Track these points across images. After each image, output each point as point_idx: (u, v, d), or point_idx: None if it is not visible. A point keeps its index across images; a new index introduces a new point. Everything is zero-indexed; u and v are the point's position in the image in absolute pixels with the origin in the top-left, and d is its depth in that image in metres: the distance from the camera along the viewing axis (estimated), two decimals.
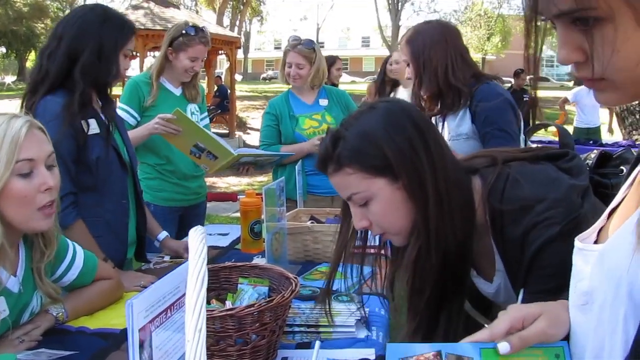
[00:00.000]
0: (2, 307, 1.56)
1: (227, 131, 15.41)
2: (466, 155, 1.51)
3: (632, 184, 0.88)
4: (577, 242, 0.92)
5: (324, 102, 3.51)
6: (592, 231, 0.92)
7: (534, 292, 1.22)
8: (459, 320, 1.40)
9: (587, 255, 0.89)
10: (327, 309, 1.60)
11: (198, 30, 3.17)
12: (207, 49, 3.27)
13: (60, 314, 1.76)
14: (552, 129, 2.26)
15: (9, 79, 32.99)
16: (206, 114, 3.50)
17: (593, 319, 0.87)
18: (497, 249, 1.32)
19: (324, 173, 1.37)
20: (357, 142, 1.30)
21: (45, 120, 1.79)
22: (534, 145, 1.54)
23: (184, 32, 3.14)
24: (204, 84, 17.25)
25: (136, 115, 3.14)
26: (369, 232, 1.47)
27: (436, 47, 2.51)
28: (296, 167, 2.97)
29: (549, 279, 1.18)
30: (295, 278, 1.62)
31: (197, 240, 0.60)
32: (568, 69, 0.90)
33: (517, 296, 1.29)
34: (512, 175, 1.31)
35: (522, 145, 2.57)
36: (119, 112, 3.13)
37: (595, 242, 0.90)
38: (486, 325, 1.59)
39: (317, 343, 1.54)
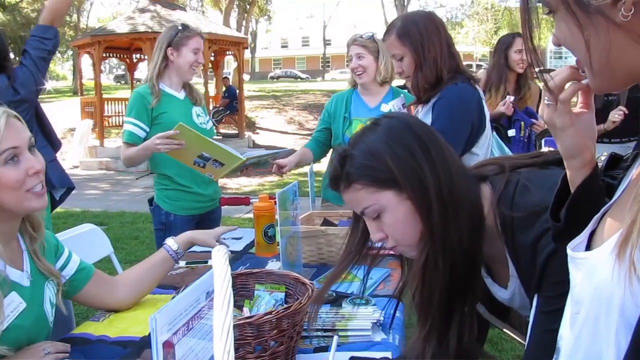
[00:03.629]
0: (17, 300, 1.58)
1: (237, 131, 15.47)
2: (475, 164, 1.53)
3: (627, 186, 0.87)
4: (568, 250, 0.92)
5: (386, 107, 3.29)
6: (582, 237, 0.92)
7: (548, 297, 1.23)
8: (472, 325, 1.41)
9: (577, 263, 0.88)
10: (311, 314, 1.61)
11: (188, 26, 3.28)
12: (203, 41, 3.31)
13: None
14: None
15: None
16: (209, 117, 3.52)
17: (576, 330, 0.88)
18: (510, 255, 1.34)
19: (337, 191, 1.42)
20: (362, 159, 1.34)
21: None
22: (547, 148, 1.54)
23: (179, 28, 3.22)
24: (212, 85, 17.32)
25: (145, 127, 3.16)
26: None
27: (432, 36, 2.50)
28: (308, 169, 2.98)
29: (562, 284, 1.19)
30: (311, 284, 1.64)
31: (221, 262, 0.62)
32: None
33: (531, 301, 1.30)
34: (521, 181, 1.33)
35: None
36: (127, 126, 3.15)
37: (588, 246, 0.90)
38: (505, 330, 1.61)
39: (335, 338, 1.55)
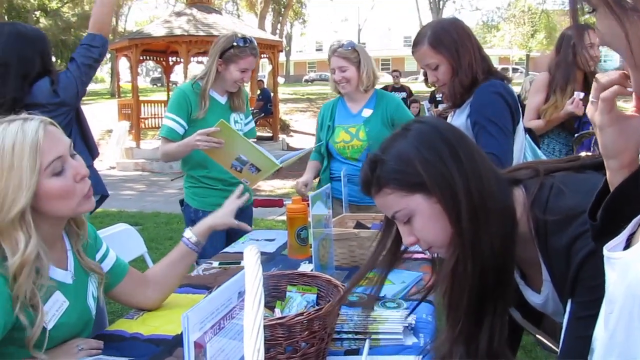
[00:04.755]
0: (61, 299, 1.61)
1: (271, 134, 15.54)
2: (508, 168, 1.52)
3: None
4: (605, 251, 0.92)
5: (367, 112, 3.39)
6: (621, 238, 0.91)
7: (582, 302, 1.22)
8: (502, 329, 1.39)
9: (613, 263, 0.88)
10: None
11: (247, 41, 3.19)
12: (257, 60, 3.29)
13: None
14: None
15: None
16: (251, 118, 3.54)
17: (610, 328, 0.87)
18: (543, 259, 1.32)
19: (369, 196, 1.43)
20: (392, 163, 1.35)
21: None
22: (583, 153, 1.52)
23: (234, 43, 3.16)
24: (247, 87, 17.42)
25: (184, 124, 3.19)
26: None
27: (465, 41, 2.51)
28: (342, 172, 2.99)
29: (596, 289, 1.17)
30: (343, 286, 1.63)
31: (252, 261, 0.63)
32: (615, 63, 0.92)
33: (564, 307, 1.28)
34: (556, 185, 1.32)
35: (517, 145, 2.56)
36: (167, 121, 3.20)
37: (626, 248, 0.89)
38: (538, 337, 1.58)
39: (367, 342, 1.55)
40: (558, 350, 1.32)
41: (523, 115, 2.73)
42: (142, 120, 15.13)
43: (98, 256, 1.85)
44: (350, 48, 3.34)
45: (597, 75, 0.96)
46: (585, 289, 1.20)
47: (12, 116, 1.55)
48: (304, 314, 1.44)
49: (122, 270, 1.92)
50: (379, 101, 3.42)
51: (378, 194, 1.39)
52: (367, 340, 1.54)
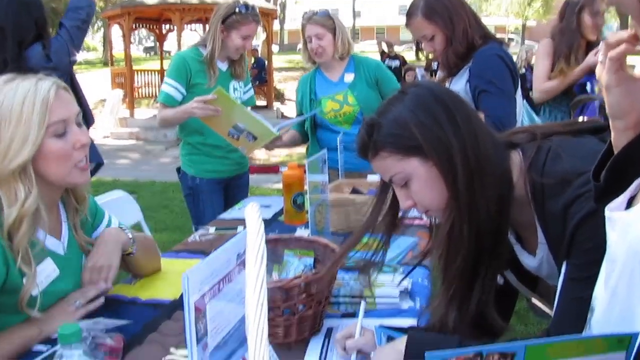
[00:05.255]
0: (51, 267, 1.62)
1: (265, 103, 15.45)
2: (506, 132, 1.52)
3: None
4: (606, 211, 0.93)
5: (349, 77, 3.36)
6: (622, 199, 0.92)
7: (577, 264, 1.23)
8: (491, 292, 1.41)
9: (614, 223, 0.89)
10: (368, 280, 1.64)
11: (249, 7, 3.17)
12: (258, 26, 3.27)
13: (132, 244, 1.87)
14: None
15: None
16: (250, 86, 3.52)
17: (611, 287, 0.88)
18: (539, 222, 1.33)
19: (365, 159, 1.43)
20: (388, 127, 1.35)
21: None
22: (580, 118, 1.53)
23: (236, 10, 3.14)
24: None
25: (183, 90, 3.18)
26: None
27: (458, 8, 2.50)
28: (338, 138, 2.98)
29: (592, 251, 1.18)
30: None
31: (254, 217, 0.63)
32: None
33: (559, 269, 1.30)
34: (553, 148, 1.32)
35: (522, 110, 2.56)
36: (165, 87, 3.18)
37: (627, 209, 0.91)
38: (533, 300, 1.60)
39: (363, 303, 1.57)
40: (552, 314, 1.34)
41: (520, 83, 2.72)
42: (136, 89, 15.02)
43: (100, 229, 1.86)
44: (325, 15, 3.30)
45: (605, 34, 0.96)
46: (581, 251, 1.21)
47: (28, 75, 1.56)
48: (302, 277, 1.45)
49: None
50: (357, 65, 3.38)
51: (375, 158, 1.39)
52: (363, 302, 1.55)
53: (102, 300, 1.73)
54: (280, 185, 2.66)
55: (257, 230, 0.60)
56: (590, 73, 3.55)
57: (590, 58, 3.54)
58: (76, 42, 3.02)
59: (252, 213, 0.64)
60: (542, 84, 3.74)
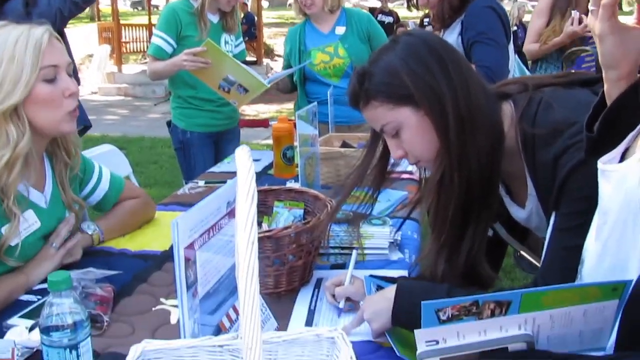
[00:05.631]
0: (32, 219, 1.61)
1: (255, 59, 15.30)
2: (498, 83, 1.51)
3: None
4: (599, 164, 0.92)
5: (340, 30, 3.31)
6: (616, 153, 0.92)
7: (566, 214, 1.23)
8: (482, 243, 1.42)
9: (608, 176, 0.89)
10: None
11: None
12: None
13: (95, 232, 1.84)
14: None
15: None
16: (241, 39, 3.47)
17: (603, 239, 0.88)
18: (529, 173, 1.33)
19: (357, 109, 1.42)
20: (380, 76, 1.34)
21: None
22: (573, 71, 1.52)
23: None
24: None
25: (173, 43, 3.13)
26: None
27: None
28: (328, 91, 2.95)
29: (580, 201, 1.19)
30: (330, 200, 1.64)
31: (244, 157, 0.62)
32: None
33: (548, 221, 1.30)
34: (545, 99, 1.32)
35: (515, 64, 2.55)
36: (155, 39, 3.14)
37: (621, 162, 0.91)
38: (522, 253, 1.62)
39: (354, 252, 1.58)
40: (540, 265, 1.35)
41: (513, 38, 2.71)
42: (124, 44, 14.79)
43: (90, 185, 1.86)
44: None
45: None
46: (570, 201, 1.22)
47: (20, 22, 1.55)
48: (292, 227, 1.45)
49: (118, 185, 1.95)
50: (349, 18, 3.34)
51: (366, 107, 1.38)
52: (355, 251, 1.56)
53: (79, 236, 1.74)
54: (270, 141, 2.64)
55: (247, 171, 0.59)
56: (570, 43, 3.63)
57: (569, 28, 3.56)
58: (67, 14, 2.95)
59: (242, 154, 0.63)
60: (528, 44, 3.75)
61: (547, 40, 3.70)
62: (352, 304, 1.47)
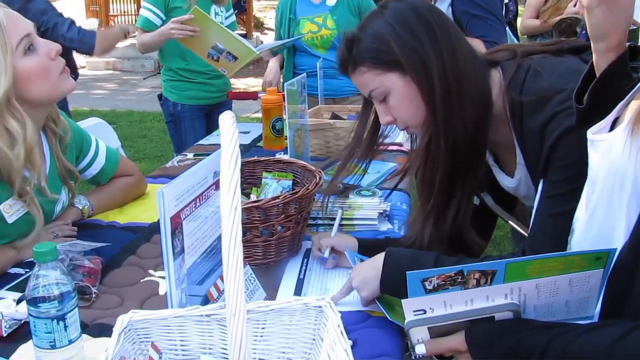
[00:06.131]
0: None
1: (245, 32, 15.18)
2: (488, 50, 1.50)
3: None
4: (589, 134, 0.92)
5: (331, 1, 3.29)
6: (605, 123, 0.92)
7: (553, 181, 1.23)
8: (468, 209, 1.43)
9: (597, 146, 0.89)
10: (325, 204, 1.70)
11: None
12: None
13: (86, 207, 1.83)
14: None
15: None
16: (232, 11, 3.43)
17: (591, 208, 0.89)
18: (517, 140, 1.33)
19: (346, 75, 1.42)
20: (367, 42, 1.34)
21: None
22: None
23: None
24: None
25: (161, 15, 3.11)
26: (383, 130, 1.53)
27: None
28: (317, 63, 2.93)
29: (568, 168, 1.19)
30: (319, 171, 1.64)
31: (229, 123, 0.61)
32: None
33: (536, 188, 1.30)
34: (533, 67, 1.32)
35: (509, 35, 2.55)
36: (144, 11, 3.10)
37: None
38: (510, 223, 1.63)
39: (340, 211, 1.58)
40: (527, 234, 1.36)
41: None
42: (112, 17, 14.62)
43: (87, 158, 1.85)
44: None
45: None
46: (558, 167, 1.22)
47: None
48: (280, 197, 1.45)
49: (115, 160, 1.94)
50: None
51: (354, 73, 1.38)
52: (340, 210, 1.58)
53: (75, 230, 1.73)
54: (259, 115, 2.62)
55: (231, 136, 0.59)
56: None
57: (570, 8, 3.58)
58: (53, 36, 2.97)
59: (226, 119, 0.62)
60: (526, 19, 3.73)
61: (549, 19, 3.70)
62: (335, 256, 1.52)
